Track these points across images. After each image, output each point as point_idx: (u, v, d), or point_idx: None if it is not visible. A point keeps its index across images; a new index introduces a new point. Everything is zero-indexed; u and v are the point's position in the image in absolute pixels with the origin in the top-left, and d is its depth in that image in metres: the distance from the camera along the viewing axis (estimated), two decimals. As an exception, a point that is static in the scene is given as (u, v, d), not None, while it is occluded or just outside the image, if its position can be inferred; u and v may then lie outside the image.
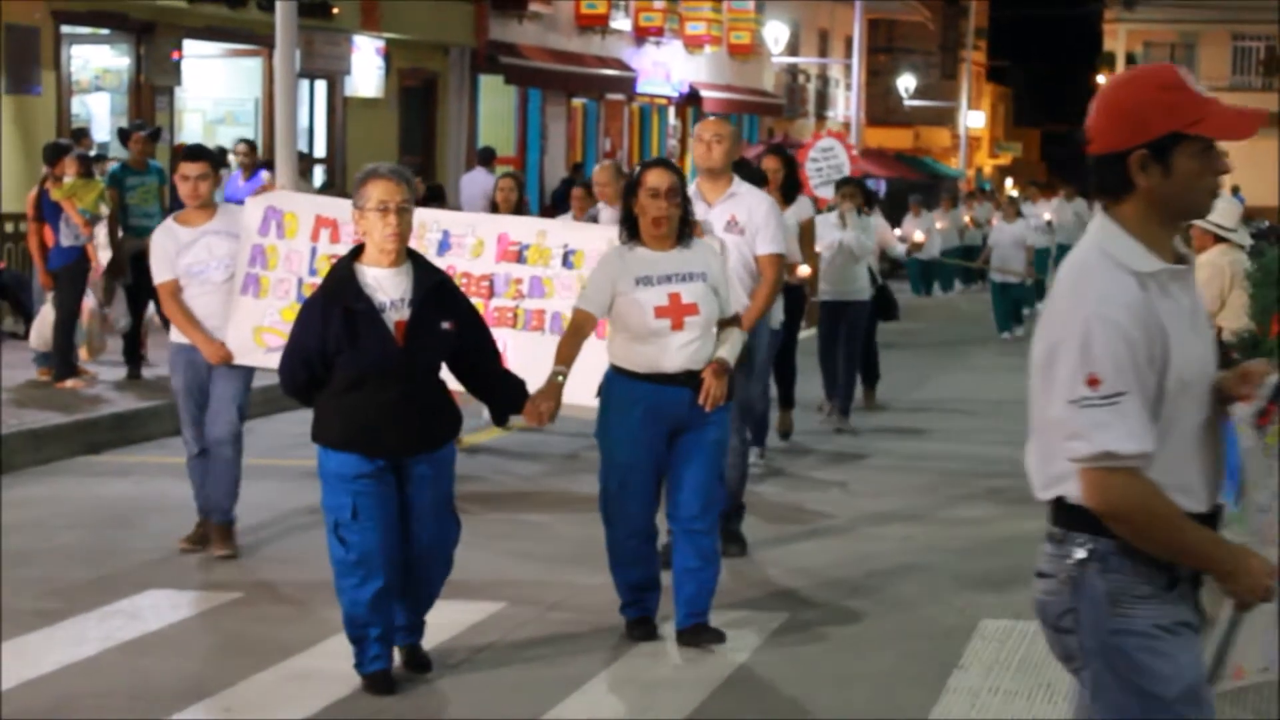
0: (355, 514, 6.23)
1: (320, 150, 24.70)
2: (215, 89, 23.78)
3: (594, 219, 11.69)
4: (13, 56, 18.60)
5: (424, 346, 6.28)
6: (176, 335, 8.54)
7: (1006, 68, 70.97)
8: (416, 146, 27.08)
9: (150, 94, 20.86)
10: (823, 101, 47.26)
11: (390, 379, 6.21)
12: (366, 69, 25.35)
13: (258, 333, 8.54)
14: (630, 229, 6.95)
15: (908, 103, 53.59)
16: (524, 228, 8.90)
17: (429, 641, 6.69)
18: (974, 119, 58.70)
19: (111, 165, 14.93)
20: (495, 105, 29.12)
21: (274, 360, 8.54)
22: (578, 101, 32.20)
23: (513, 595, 7.67)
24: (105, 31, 20.68)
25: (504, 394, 6.66)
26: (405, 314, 6.24)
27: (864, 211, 13.92)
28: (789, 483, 10.56)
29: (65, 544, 8.71)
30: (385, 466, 6.27)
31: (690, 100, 35.57)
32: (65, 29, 19.56)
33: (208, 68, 23.27)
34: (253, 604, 7.65)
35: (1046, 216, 25.60)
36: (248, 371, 8.59)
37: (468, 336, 6.46)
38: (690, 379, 6.83)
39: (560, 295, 8.57)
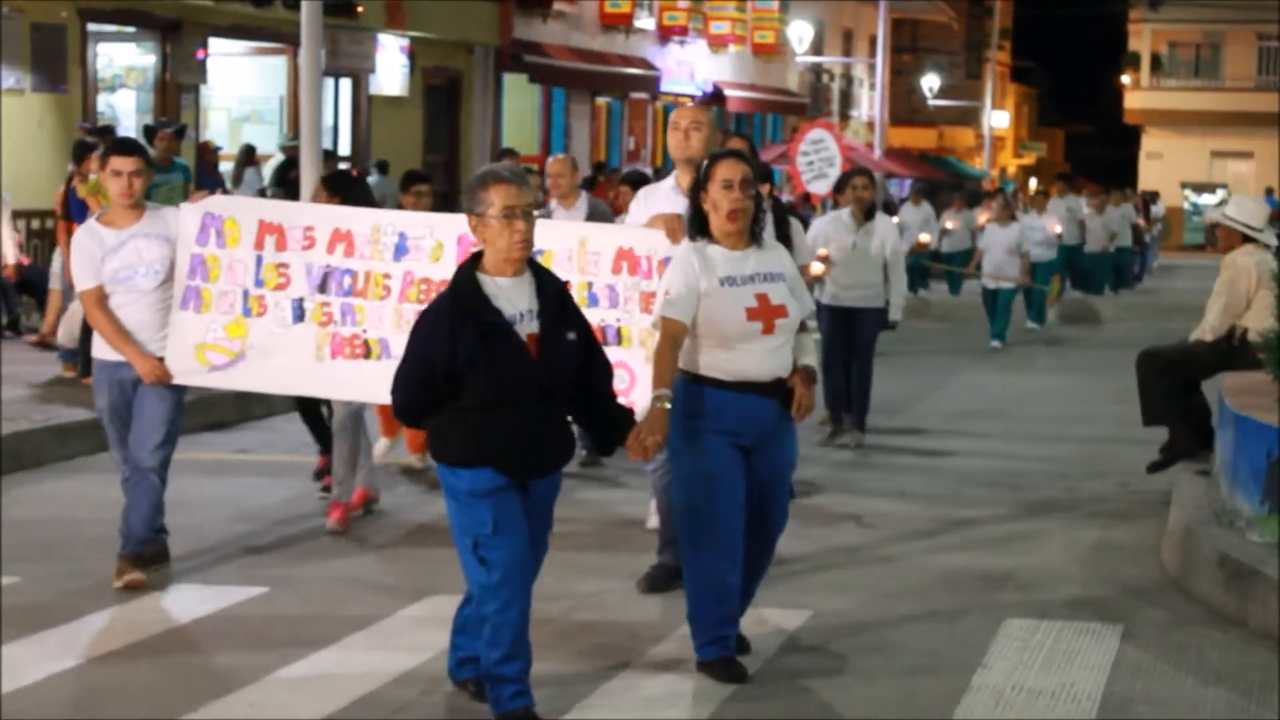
0: (497, 528, 5.78)
1: (345, 149, 24.76)
2: (240, 87, 23.90)
3: (547, 217, 11.20)
4: (40, 54, 18.69)
5: (557, 359, 5.86)
6: (101, 350, 7.97)
7: (1031, 68, 70.88)
8: (441, 145, 27.14)
9: (175, 92, 20.96)
10: (847, 101, 47.25)
11: (529, 395, 5.80)
12: (391, 67, 25.41)
13: (200, 350, 8.02)
14: (699, 227, 6.51)
15: (932, 102, 53.56)
16: None
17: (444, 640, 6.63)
18: (998, 119, 58.57)
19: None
20: (519, 104, 29.17)
21: (218, 379, 8.16)
22: (602, 100, 32.24)
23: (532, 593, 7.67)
24: (131, 30, 20.78)
25: (613, 421, 6.16)
26: (534, 326, 5.82)
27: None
28: (803, 486, 10.53)
29: (91, 539, 8.73)
30: (515, 484, 5.88)
31: (714, 99, 35.57)
32: (91, 27, 19.67)
33: (233, 66, 23.38)
34: (277, 600, 7.67)
35: (1056, 230, 24.33)
36: (179, 391, 8.01)
37: (587, 350, 6.02)
38: (777, 388, 6.44)
39: None
